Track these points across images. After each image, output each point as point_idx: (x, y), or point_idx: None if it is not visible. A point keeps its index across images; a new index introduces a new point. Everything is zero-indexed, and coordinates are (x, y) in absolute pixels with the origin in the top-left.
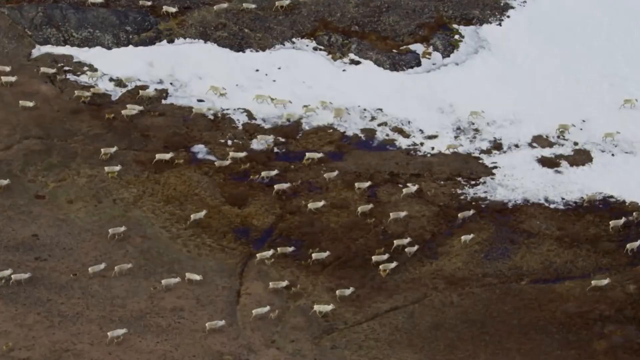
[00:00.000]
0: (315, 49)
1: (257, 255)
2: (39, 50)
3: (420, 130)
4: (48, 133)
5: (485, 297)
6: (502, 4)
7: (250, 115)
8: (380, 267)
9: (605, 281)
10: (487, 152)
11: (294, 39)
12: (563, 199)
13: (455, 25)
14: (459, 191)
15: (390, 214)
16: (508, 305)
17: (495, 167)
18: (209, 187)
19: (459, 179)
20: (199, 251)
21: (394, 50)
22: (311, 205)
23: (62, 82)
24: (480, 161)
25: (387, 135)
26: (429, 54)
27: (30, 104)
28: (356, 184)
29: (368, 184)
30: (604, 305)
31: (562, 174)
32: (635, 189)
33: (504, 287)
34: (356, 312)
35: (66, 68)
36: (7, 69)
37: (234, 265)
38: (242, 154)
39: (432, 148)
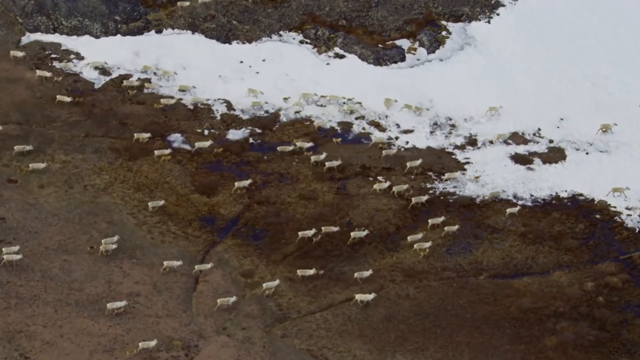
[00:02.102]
0: (301, 42)
1: (299, 233)
2: (28, 38)
3: (397, 124)
4: (27, 119)
5: (441, 290)
6: (493, 2)
7: (229, 106)
8: (415, 246)
9: None
10: (461, 147)
11: (281, 32)
12: (532, 195)
13: (443, 22)
14: (429, 185)
15: (413, 199)
16: (464, 299)
17: (468, 163)
18: (180, 175)
19: (430, 173)
20: (162, 238)
21: (380, 45)
22: (396, 189)
23: (47, 69)
24: (453, 156)
25: (364, 128)
26: (414, 49)
27: (68, 99)
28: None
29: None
30: (560, 302)
31: (534, 171)
32: (606, 188)
33: (461, 281)
34: (311, 302)
35: (53, 55)
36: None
37: (196, 253)
38: (309, 144)
39: (407, 142)
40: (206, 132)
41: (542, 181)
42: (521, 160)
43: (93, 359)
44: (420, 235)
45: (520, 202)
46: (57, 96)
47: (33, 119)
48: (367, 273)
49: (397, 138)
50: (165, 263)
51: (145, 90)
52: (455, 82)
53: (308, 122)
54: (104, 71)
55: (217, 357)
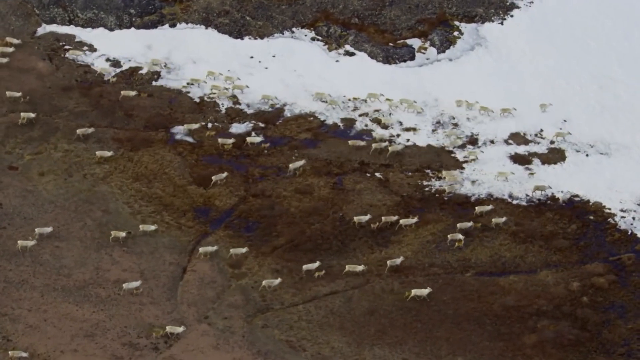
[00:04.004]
0: (313, 39)
1: (355, 218)
2: (44, 29)
3: (400, 122)
4: (35, 108)
5: (427, 286)
6: (507, 3)
7: (235, 100)
8: (449, 236)
9: None
10: (462, 146)
11: (293, 29)
12: (527, 195)
13: (456, 22)
14: (425, 183)
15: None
16: (448, 295)
17: (466, 162)
18: (180, 167)
19: (428, 171)
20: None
21: (390, 44)
22: (448, 190)
23: (59, 59)
24: (453, 155)
25: (366, 125)
26: (425, 48)
27: (133, 93)
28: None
29: None
30: (543, 301)
31: (532, 172)
32: (602, 189)
33: (447, 277)
34: (295, 294)
35: (67, 47)
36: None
37: (187, 243)
38: (386, 133)
39: (408, 140)
40: (209, 125)
41: (539, 181)
42: (520, 160)
43: (73, 343)
44: (470, 224)
45: (515, 202)
46: (122, 92)
47: (40, 108)
48: (398, 260)
49: (398, 135)
50: (200, 249)
51: (154, 83)
52: (462, 82)
53: (312, 118)
54: (114, 63)
55: (196, 345)
